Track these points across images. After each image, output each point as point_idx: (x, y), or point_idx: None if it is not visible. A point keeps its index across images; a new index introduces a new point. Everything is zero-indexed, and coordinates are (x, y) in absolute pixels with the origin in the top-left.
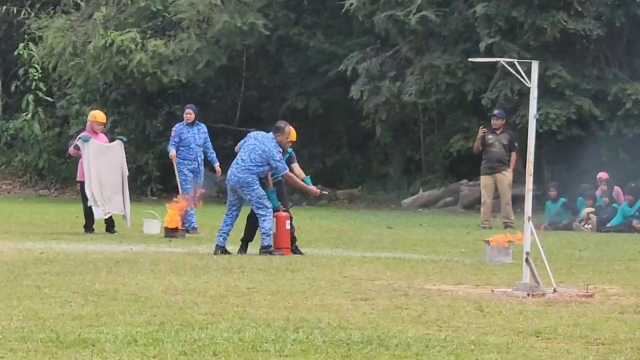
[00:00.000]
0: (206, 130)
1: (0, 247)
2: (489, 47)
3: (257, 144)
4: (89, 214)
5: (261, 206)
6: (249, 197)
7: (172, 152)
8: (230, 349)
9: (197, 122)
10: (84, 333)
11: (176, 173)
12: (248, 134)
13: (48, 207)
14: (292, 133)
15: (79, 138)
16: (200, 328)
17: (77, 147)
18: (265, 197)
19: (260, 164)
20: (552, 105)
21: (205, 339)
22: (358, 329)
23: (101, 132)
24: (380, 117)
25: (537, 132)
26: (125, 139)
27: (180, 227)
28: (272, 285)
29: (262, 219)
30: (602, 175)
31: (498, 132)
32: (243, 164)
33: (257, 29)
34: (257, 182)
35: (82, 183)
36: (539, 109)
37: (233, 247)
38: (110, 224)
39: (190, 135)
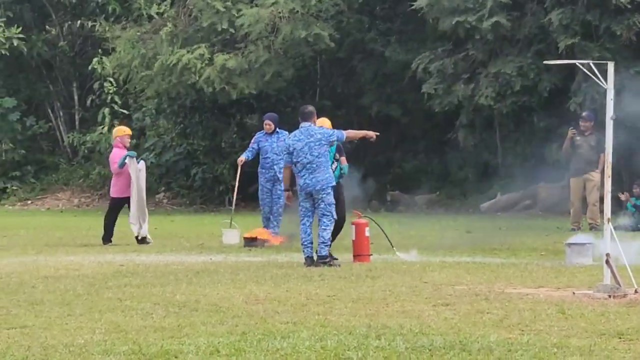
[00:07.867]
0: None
1: (81, 261)
2: (569, 47)
3: (307, 140)
4: (109, 226)
5: (328, 214)
6: (323, 202)
7: (241, 157)
8: (312, 358)
9: (277, 130)
10: (166, 345)
11: (237, 179)
12: (287, 144)
13: (127, 220)
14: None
15: (127, 155)
16: (282, 337)
17: (121, 165)
18: (334, 207)
19: (324, 152)
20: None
21: (287, 348)
22: (440, 334)
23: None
24: (461, 122)
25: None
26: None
27: (259, 237)
28: (352, 292)
29: (324, 227)
30: None
31: (586, 133)
32: (313, 166)
33: (323, 40)
34: (334, 182)
35: (116, 199)
36: (626, 106)
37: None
38: (143, 239)
39: (268, 144)
